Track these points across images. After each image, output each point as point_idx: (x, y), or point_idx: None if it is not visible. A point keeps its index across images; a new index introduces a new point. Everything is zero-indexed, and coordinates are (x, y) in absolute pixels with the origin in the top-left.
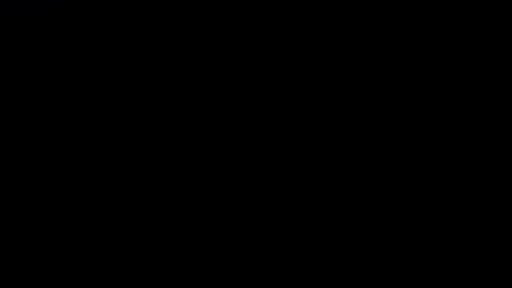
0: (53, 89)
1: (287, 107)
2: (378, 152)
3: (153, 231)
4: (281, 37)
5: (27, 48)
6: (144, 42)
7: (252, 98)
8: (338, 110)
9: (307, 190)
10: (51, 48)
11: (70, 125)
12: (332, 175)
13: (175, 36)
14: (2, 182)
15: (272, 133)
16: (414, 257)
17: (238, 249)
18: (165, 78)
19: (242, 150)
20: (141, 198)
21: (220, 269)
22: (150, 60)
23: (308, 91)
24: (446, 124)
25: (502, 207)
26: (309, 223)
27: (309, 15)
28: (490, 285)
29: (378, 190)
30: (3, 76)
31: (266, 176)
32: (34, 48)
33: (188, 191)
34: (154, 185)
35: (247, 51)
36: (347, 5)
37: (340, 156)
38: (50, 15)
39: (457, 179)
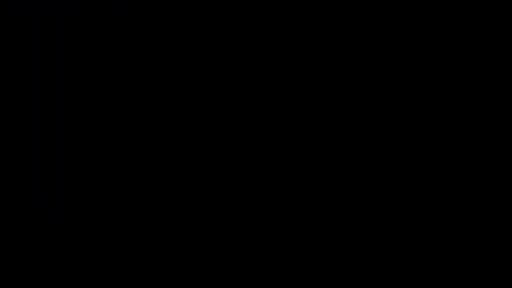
0: (53, 89)
1: (287, 107)
2: (378, 152)
3: (153, 231)
4: (281, 37)
5: (27, 48)
6: (144, 42)
7: (252, 98)
8: (338, 110)
9: (307, 190)
10: (51, 48)
11: (70, 125)
12: (332, 175)
13: (175, 36)
14: (2, 182)
15: (272, 133)
16: (414, 257)
17: (238, 249)
18: (165, 78)
19: (242, 150)
20: (141, 198)
21: (220, 269)
22: (150, 60)
23: (308, 91)
24: (446, 124)
25: (502, 207)
26: (309, 223)
27: (309, 15)
28: (490, 285)
29: (378, 190)
30: (3, 76)
31: (266, 176)
32: (34, 48)
33: (188, 191)
34: (154, 185)
35: (247, 51)
36: (347, 5)
37: (340, 156)
38: (50, 15)
39: (457, 179)
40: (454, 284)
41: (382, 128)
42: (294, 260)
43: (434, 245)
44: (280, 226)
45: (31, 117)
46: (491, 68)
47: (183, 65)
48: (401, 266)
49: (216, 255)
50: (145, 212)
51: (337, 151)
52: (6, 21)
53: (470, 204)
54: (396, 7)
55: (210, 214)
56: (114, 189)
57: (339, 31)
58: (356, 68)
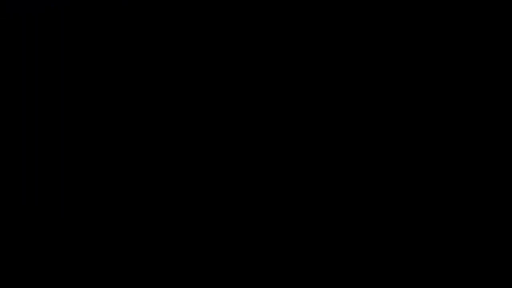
0: (53, 89)
1: (287, 107)
2: (378, 152)
3: (153, 231)
4: (281, 37)
5: (27, 48)
6: (144, 42)
7: (252, 98)
8: (338, 110)
9: (307, 190)
10: (51, 48)
11: (70, 125)
12: (332, 175)
13: (175, 36)
14: (2, 182)
15: (272, 133)
16: (414, 257)
17: (238, 249)
18: (165, 78)
19: (242, 150)
20: (141, 198)
21: (220, 269)
22: (150, 60)
23: (308, 91)
24: (446, 124)
25: (502, 207)
26: (309, 223)
27: (309, 15)
28: (490, 285)
29: (378, 190)
30: (3, 76)
31: (266, 176)
32: (34, 48)
33: (188, 191)
34: (154, 185)
35: (247, 51)
36: (347, 5)
37: (340, 156)
38: (50, 15)
39: (457, 179)
40: (454, 284)
41: (382, 128)
42: (294, 260)
43: (434, 245)
44: (280, 226)
45: (31, 117)
46: (491, 68)
47: (183, 65)
48: (401, 266)
49: (216, 255)
50: (145, 212)
51: (337, 151)
52: (6, 21)
53: (470, 204)
54: (396, 7)
55: (210, 214)
56: (114, 189)
57: (339, 31)
58: (356, 68)
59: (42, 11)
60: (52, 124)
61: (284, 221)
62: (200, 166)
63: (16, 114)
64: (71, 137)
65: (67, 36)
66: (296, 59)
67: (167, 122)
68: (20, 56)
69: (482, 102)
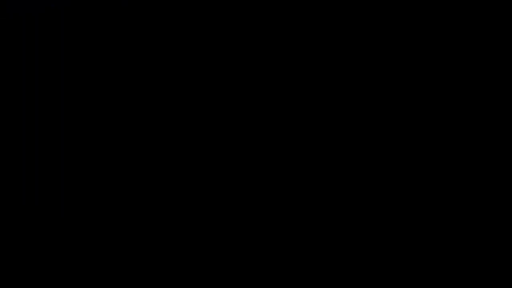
0: (53, 89)
1: (287, 107)
2: (378, 152)
3: (153, 231)
4: (281, 37)
5: (27, 48)
6: (144, 42)
7: (252, 98)
8: (338, 110)
9: (307, 190)
10: (51, 48)
11: (70, 125)
12: (332, 175)
13: (175, 36)
14: (2, 182)
15: (272, 133)
16: (414, 257)
17: (238, 249)
18: (165, 78)
19: (242, 150)
20: (141, 198)
21: (220, 269)
22: (150, 60)
23: (308, 91)
24: (446, 124)
25: (502, 207)
26: (309, 223)
27: (309, 15)
28: (490, 285)
29: (378, 190)
30: (3, 76)
31: (266, 176)
32: (34, 48)
33: (188, 191)
34: (154, 185)
35: (247, 51)
36: (347, 5)
37: (340, 156)
38: (50, 15)
39: (457, 179)
40: (454, 284)
41: (382, 128)
42: (294, 260)
43: (434, 245)
44: (280, 226)
45: (31, 117)
46: (491, 68)
47: (183, 65)
48: (401, 266)
49: (216, 255)
50: (145, 212)
51: (337, 151)
52: (6, 21)
53: (470, 204)
54: (396, 7)
55: (210, 214)
56: (114, 189)
57: (339, 31)
58: (356, 68)
59: (42, 11)
60: (52, 124)
61: (284, 221)
62: (200, 166)
63: (16, 114)
64: (71, 137)
65: (67, 36)
66: (296, 59)
67: (167, 122)
68: (20, 56)
69: (482, 102)
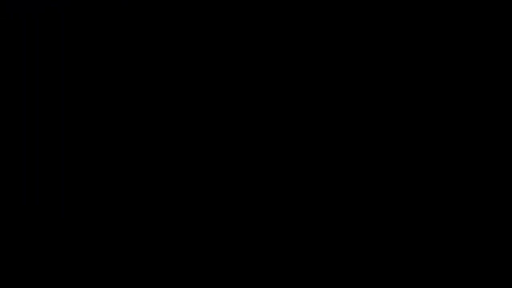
0: (53, 89)
1: (287, 107)
2: (378, 152)
3: (153, 231)
4: (281, 37)
5: (27, 48)
6: (144, 42)
7: (252, 98)
8: (338, 110)
9: (307, 190)
10: (51, 48)
11: (70, 125)
12: (332, 175)
13: (175, 36)
14: (2, 182)
15: (272, 133)
16: (414, 257)
17: (238, 249)
18: (165, 78)
19: (242, 150)
20: (141, 198)
21: (220, 269)
22: (150, 60)
23: (308, 91)
24: (446, 124)
25: (502, 207)
26: (309, 223)
27: (309, 15)
28: (490, 285)
29: (378, 190)
30: (3, 76)
31: (266, 176)
32: (34, 48)
33: (188, 191)
34: (154, 185)
35: (247, 51)
36: (347, 5)
37: (340, 156)
38: (50, 15)
39: (457, 179)
40: (454, 284)
41: (382, 128)
42: (294, 260)
43: (434, 245)
44: (280, 226)
45: (31, 117)
46: (491, 68)
47: (183, 65)
48: (401, 266)
49: (216, 255)
50: (145, 212)
51: (337, 151)
52: (6, 21)
53: (470, 204)
54: (396, 7)
55: (210, 214)
56: (114, 189)
57: (339, 31)
58: (356, 68)
59: (42, 11)
60: (52, 124)
61: (284, 221)
62: (200, 166)
63: (16, 114)
64: (71, 137)
65: (67, 36)
66: (296, 59)
67: (167, 122)
68: (20, 56)
69: (482, 102)
